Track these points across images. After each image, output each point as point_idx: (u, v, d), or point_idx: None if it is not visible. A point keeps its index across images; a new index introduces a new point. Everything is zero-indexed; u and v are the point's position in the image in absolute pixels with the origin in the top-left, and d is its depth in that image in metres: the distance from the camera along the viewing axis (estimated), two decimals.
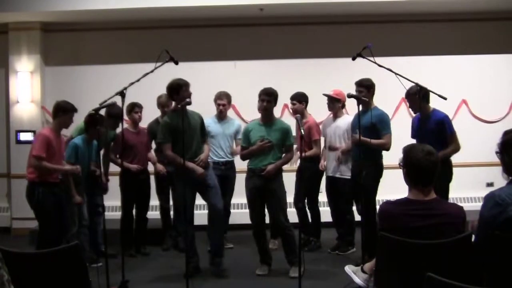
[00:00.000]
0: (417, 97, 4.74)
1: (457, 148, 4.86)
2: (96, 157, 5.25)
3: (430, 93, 4.72)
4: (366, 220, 4.91)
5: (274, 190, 4.95)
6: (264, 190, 4.96)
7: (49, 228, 4.83)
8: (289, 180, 5.92)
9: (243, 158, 5.15)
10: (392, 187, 4.89)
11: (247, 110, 5.70)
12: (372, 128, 5.01)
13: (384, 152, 5.22)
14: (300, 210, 5.53)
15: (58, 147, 4.87)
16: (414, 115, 5.21)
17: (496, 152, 2.60)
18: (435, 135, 4.66)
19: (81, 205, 5.14)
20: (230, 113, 7.06)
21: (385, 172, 5.26)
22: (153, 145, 5.94)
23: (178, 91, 4.81)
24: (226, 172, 5.80)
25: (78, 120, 5.29)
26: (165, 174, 5.78)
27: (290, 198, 6.42)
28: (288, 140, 5.03)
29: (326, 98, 5.69)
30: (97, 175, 5.14)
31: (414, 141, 5.01)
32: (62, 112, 4.88)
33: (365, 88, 5.17)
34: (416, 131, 5.07)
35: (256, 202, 5.01)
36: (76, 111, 4.98)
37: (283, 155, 5.03)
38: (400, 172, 2.85)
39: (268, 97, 4.97)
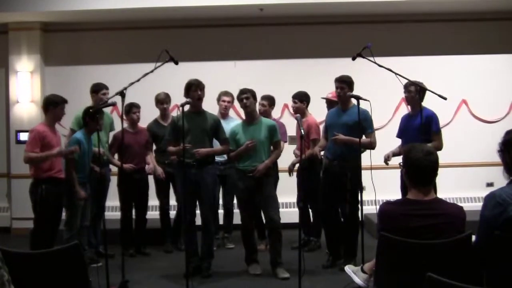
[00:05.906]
0: (416, 96, 4.72)
1: (439, 146, 4.68)
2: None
3: (431, 93, 4.71)
4: (351, 222, 4.97)
5: (266, 190, 4.97)
6: (256, 191, 4.97)
7: (45, 226, 4.82)
8: (289, 180, 5.93)
9: (231, 160, 5.22)
10: (392, 187, 4.91)
11: None
12: (354, 127, 4.76)
13: (382, 152, 5.19)
14: (302, 210, 5.52)
15: (54, 141, 4.87)
16: (409, 108, 5.17)
17: (498, 151, 2.59)
18: (420, 132, 4.51)
19: (86, 206, 5.14)
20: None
21: (385, 172, 5.24)
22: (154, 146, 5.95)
23: (188, 90, 4.87)
24: (226, 172, 5.77)
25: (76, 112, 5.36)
26: (164, 178, 5.77)
27: (290, 198, 6.46)
28: (276, 137, 5.08)
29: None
30: (95, 171, 5.15)
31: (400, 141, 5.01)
32: (53, 105, 4.91)
33: (347, 85, 4.95)
34: (402, 130, 5.03)
35: (248, 203, 5.03)
36: (67, 102, 5.00)
37: (273, 152, 5.08)
38: (397, 172, 2.85)
39: (245, 95, 5.01)
